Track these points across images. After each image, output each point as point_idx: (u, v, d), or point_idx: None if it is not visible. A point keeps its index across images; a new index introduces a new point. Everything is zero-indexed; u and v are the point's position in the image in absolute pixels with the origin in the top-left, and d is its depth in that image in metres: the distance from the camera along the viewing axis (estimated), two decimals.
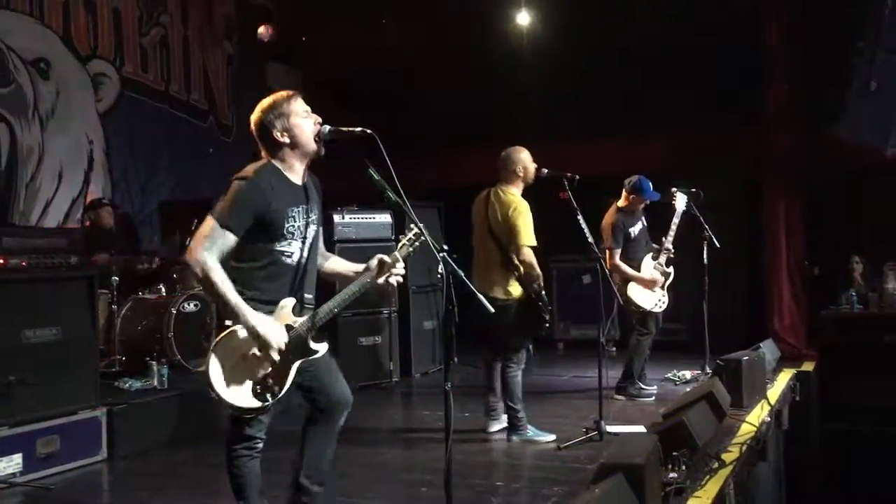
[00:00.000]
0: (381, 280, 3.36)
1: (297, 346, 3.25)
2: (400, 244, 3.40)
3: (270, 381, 3.20)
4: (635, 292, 6.67)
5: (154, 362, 6.00)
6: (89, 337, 5.28)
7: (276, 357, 3.16)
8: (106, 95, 8.23)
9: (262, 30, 9.58)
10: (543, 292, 5.32)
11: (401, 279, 3.40)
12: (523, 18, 9.77)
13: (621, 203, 6.80)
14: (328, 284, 3.62)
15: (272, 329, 3.16)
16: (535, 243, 5.28)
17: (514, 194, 5.42)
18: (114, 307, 6.47)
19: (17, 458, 4.67)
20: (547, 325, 5.39)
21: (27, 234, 5.29)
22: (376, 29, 10.02)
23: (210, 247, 3.09)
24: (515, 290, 5.32)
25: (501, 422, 5.61)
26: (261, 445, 3.38)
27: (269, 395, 3.19)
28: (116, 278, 6.51)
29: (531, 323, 5.33)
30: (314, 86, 9.81)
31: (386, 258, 3.37)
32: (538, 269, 5.28)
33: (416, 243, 3.37)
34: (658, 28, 9.21)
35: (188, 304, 6.51)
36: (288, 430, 3.61)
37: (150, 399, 5.74)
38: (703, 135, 8.92)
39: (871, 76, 7.20)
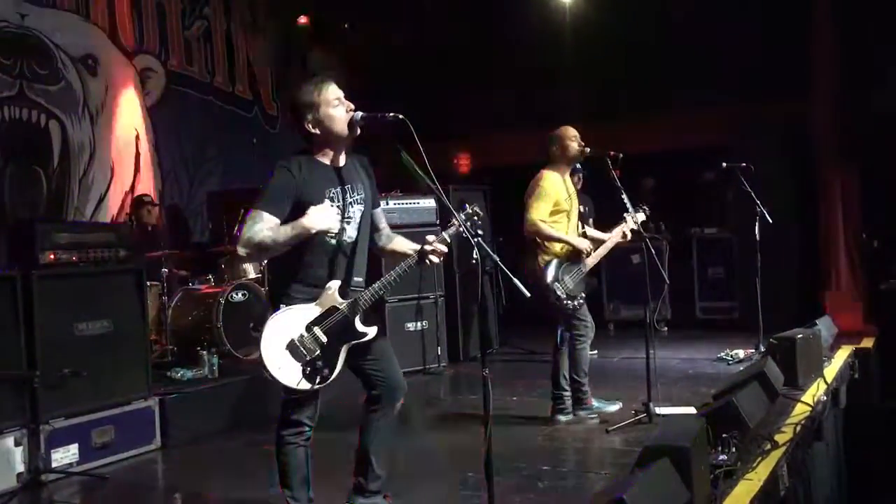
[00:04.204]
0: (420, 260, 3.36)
1: (343, 328, 3.28)
2: (450, 224, 3.38)
3: (320, 363, 3.24)
4: None
5: (204, 352, 6.11)
6: (140, 328, 5.40)
7: (334, 226, 3.26)
8: (152, 89, 8.36)
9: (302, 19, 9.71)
10: (554, 265, 5.18)
11: (436, 259, 3.38)
12: None
13: None
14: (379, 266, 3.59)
15: (321, 211, 3.23)
16: (539, 217, 5.17)
17: (541, 174, 5.34)
18: (164, 299, 6.59)
19: (74, 449, 4.80)
20: (552, 300, 5.15)
21: (76, 229, 5.38)
22: (417, 14, 9.97)
23: (250, 227, 3.21)
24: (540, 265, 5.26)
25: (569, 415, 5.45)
26: (309, 433, 3.42)
27: (318, 378, 3.22)
28: (166, 270, 6.63)
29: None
30: (357, 72, 9.82)
31: (431, 239, 3.36)
32: (551, 239, 5.19)
33: (469, 223, 3.30)
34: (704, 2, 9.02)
35: (236, 294, 6.58)
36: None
37: (201, 388, 5.84)
38: (753, 108, 8.72)
39: None
